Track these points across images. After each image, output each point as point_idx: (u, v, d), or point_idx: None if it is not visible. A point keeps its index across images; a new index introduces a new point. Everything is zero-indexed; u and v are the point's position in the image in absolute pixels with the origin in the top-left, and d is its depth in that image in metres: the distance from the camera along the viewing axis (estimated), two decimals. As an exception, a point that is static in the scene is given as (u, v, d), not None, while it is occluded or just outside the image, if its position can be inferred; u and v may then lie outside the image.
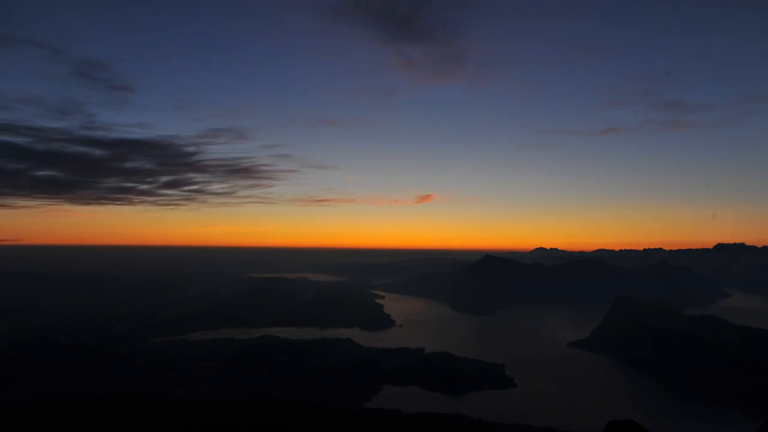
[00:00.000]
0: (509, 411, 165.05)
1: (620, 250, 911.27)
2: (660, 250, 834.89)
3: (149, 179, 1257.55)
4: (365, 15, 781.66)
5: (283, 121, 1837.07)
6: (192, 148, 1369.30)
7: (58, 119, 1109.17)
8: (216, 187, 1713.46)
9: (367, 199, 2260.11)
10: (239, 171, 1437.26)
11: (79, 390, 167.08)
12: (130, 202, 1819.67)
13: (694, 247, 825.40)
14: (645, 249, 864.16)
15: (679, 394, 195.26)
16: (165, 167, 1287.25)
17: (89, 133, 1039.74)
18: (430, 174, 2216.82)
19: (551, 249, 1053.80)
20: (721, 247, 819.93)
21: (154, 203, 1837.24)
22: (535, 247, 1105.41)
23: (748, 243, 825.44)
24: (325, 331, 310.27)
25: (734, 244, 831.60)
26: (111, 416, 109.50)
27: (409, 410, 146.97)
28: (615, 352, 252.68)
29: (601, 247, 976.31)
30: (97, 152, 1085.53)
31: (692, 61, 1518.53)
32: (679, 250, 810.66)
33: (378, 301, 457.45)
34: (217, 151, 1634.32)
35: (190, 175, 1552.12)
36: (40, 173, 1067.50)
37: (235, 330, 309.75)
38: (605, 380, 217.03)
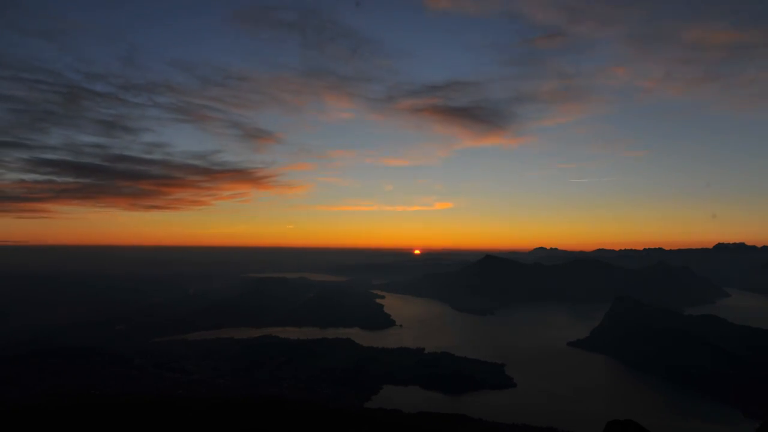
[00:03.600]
0: (509, 411, 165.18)
1: (620, 250, 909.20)
2: (660, 250, 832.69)
3: (210, 193, 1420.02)
4: (438, 111, 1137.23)
5: (348, 159, 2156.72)
6: (271, 170, 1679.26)
7: (195, 159, 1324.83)
8: (261, 197, 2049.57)
9: (391, 205, 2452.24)
10: (285, 186, 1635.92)
11: (79, 390, 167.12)
12: (176, 209, 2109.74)
13: (694, 247, 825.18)
14: (645, 249, 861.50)
15: (679, 393, 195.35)
16: (230, 184, 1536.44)
17: (207, 165, 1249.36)
18: (454, 184, 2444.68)
19: (551, 249, 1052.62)
20: (721, 247, 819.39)
21: (198, 210, 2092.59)
22: (535, 247, 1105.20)
23: (748, 243, 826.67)
24: (325, 331, 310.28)
25: (734, 244, 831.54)
26: (111, 416, 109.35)
27: (409, 410, 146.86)
28: (615, 352, 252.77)
29: (601, 247, 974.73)
30: (196, 177, 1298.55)
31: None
32: (679, 250, 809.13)
33: (378, 301, 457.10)
34: (284, 177, 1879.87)
35: (244, 189, 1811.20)
36: (127, 188, 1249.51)
37: (235, 330, 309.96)
38: (605, 380, 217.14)
